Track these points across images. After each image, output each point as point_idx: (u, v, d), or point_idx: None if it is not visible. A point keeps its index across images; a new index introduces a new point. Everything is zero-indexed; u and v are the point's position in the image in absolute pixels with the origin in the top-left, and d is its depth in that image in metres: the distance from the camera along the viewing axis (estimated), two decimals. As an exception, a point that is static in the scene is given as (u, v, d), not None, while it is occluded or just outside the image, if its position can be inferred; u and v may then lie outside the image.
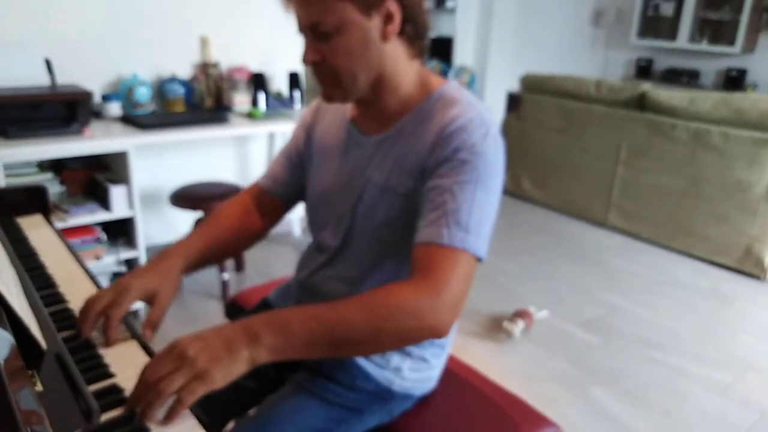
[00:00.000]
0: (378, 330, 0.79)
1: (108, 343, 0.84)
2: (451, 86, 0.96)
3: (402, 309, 0.79)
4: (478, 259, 0.86)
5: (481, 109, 0.91)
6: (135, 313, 2.36)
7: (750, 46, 5.29)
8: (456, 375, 1.19)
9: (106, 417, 0.70)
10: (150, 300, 0.92)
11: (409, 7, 0.88)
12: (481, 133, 0.88)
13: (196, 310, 2.22)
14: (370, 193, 0.97)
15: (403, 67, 0.94)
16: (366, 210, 0.98)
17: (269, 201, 1.16)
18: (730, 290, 2.87)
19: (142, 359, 0.84)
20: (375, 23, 0.87)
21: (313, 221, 1.11)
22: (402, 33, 0.90)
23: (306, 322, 0.77)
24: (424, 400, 1.10)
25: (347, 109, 1.05)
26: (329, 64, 0.90)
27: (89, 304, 0.87)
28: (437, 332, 0.81)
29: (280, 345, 0.76)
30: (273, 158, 1.18)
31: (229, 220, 1.11)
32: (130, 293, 0.89)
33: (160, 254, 0.99)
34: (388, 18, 0.87)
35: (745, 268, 3.01)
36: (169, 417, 0.69)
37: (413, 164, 0.92)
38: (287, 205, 1.17)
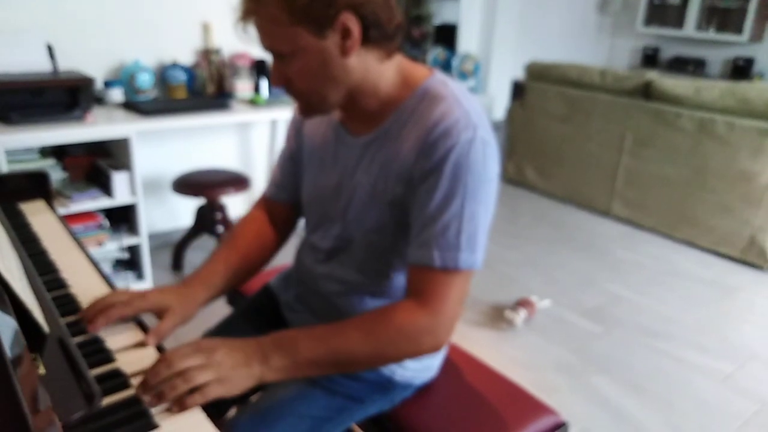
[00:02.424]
0: (379, 353, 0.85)
1: (90, 326, 0.84)
2: (436, 80, 0.90)
3: (401, 334, 0.84)
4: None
5: (467, 107, 0.86)
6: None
7: (757, 35, 5.24)
8: (456, 364, 1.19)
9: (107, 400, 0.71)
10: (162, 314, 0.92)
11: (368, 14, 0.81)
12: (467, 137, 0.83)
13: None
14: (360, 199, 0.95)
15: (376, 72, 0.88)
16: (356, 216, 0.97)
17: (279, 209, 1.15)
18: (733, 280, 2.86)
19: (143, 345, 0.85)
20: (332, 41, 0.82)
21: (307, 220, 1.11)
22: (367, 40, 0.83)
23: (312, 345, 0.83)
24: (425, 389, 1.10)
25: None
26: (295, 86, 0.87)
27: (103, 297, 0.89)
28: (433, 350, 0.88)
29: (287, 366, 0.81)
30: (275, 162, 1.17)
31: (247, 240, 1.09)
32: (145, 300, 0.91)
33: (185, 280, 1.00)
34: (345, 33, 0.81)
35: (749, 258, 3.00)
36: (183, 404, 0.71)
37: (399, 170, 0.89)
38: (297, 209, 1.16)
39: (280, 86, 0.89)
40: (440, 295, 0.84)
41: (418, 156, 0.86)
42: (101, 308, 0.87)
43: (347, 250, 1.00)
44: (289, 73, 0.86)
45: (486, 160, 0.85)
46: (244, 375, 0.78)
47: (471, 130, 0.84)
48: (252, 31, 0.85)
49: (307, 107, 0.92)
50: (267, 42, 0.84)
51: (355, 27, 0.81)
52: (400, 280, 0.99)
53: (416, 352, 0.87)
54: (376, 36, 0.84)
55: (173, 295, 0.94)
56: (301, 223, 1.15)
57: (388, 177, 0.91)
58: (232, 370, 0.77)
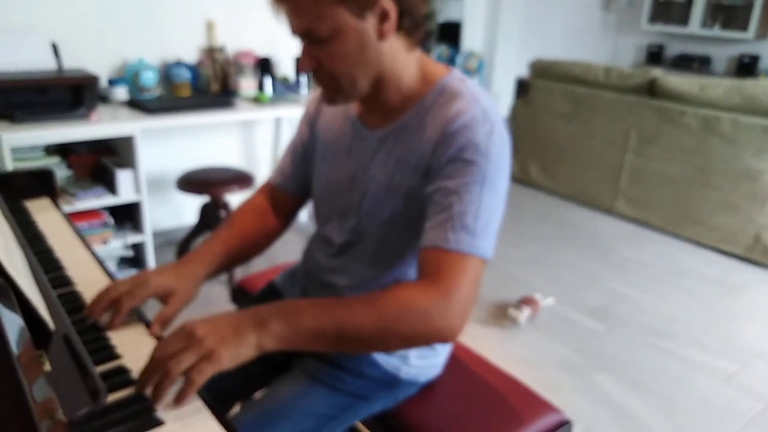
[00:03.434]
0: (385, 329, 0.79)
1: (110, 327, 0.86)
2: (454, 77, 0.92)
3: (411, 311, 0.79)
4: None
5: (485, 103, 0.88)
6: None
7: (763, 32, 5.20)
8: (461, 362, 1.18)
9: (112, 397, 0.71)
10: (165, 298, 0.92)
11: (404, 0, 0.83)
12: (485, 130, 0.85)
13: (203, 295, 2.23)
14: (375, 192, 0.96)
15: (403, 61, 0.90)
16: (370, 208, 0.97)
17: (282, 198, 1.15)
18: (738, 279, 2.84)
19: (148, 341, 0.85)
20: (370, 24, 0.83)
21: (318, 214, 1.10)
22: (399, 27, 0.85)
23: (315, 313, 0.78)
24: (429, 387, 1.10)
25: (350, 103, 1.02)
26: (327, 70, 0.87)
27: (105, 290, 0.89)
28: (445, 337, 0.81)
29: (287, 333, 0.77)
30: (281, 154, 1.17)
31: (246, 223, 1.09)
32: (147, 287, 0.90)
33: (183, 258, 0.99)
34: (383, 16, 0.83)
35: (753, 257, 2.99)
36: (180, 398, 0.70)
37: (416, 162, 0.90)
38: (300, 200, 1.16)
39: (309, 71, 0.88)
40: (453, 276, 0.81)
41: (436, 147, 0.87)
42: (107, 303, 0.87)
43: (360, 243, 1.00)
44: (321, 57, 0.86)
45: (503, 153, 0.87)
46: (236, 346, 0.74)
47: (489, 125, 0.86)
48: (283, 15, 0.85)
49: (335, 92, 0.91)
50: (304, 22, 0.83)
51: (393, 11, 0.83)
52: (410, 273, 1.00)
53: (426, 333, 0.80)
54: (407, 24, 0.86)
55: (174, 276, 0.93)
56: (303, 219, 1.15)
57: (404, 169, 0.92)
58: (220, 344, 0.72)
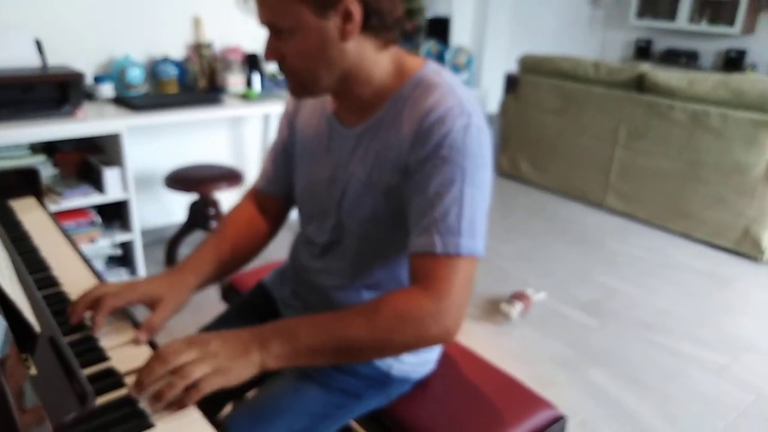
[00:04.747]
0: (382, 341, 0.82)
1: (92, 328, 0.84)
2: (429, 69, 0.90)
3: (406, 319, 0.81)
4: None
5: (461, 95, 0.86)
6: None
7: (750, 27, 5.25)
8: (453, 358, 1.18)
9: (101, 400, 0.70)
10: (153, 305, 0.91)
11: (371, 1, 0.82)
12: (462, 124, 0.83)
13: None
14: (354, 189, 0.94)
15: (371, 60, 0.88)
16: (351, 206, 0.95)
17: (269, 202, 1.14)
18: (728, 272, 2.87)
19: (136, 342, 0.83)
20: (333, 23, 0.81)
21: (301, 215, 1.09)
22: (366, 28, 0.84)
23: (313, 332, 0.81)
24: (422, 384, 1.09)
25: (327, 100, 1.01)
26: (288, 64, 0.86)
27: (91, 290, 0.87)
28: (443, 339, 0.83)
29: (288, 353, 0.79)
30: (264, 156, 1.16)
31: (237, 230, 1.08)
32: (134, 291, 0.89)
33: (173, 268, 0.98)
34: (346, 17, 0.81)
35: (743, 249, 3.01)
36: (182, 402, 0.70)
37: (395, 159, 0.88)
38: (287, 202, 1.15)
39: (272, 61, 0.88)
40: (443, 280, 0.82)
41: (413, 144, 0.86)
42: (89, 302, 0.86)
43: (343, 242, 0.99)
44: (283, 50, 0.85)
45: (482, 145, 0.85)
46: (243, 364, 0.76)
47: (466, 117, 0.84)
48: (251, 2, 0.84)
49: (299, 87, 0.90)
50: (267, 15, 0.82)
51: (357, 12, 0.81)
52: (395, 271, 0.99)
53: (423, 339, 0.82)
54: (375, 24, 0.84)
55: (163, 283, 0.93)
56: (294, 217, 1.14)
57: (383, 166, 0.90)
58: (230, 361, 0.75)
